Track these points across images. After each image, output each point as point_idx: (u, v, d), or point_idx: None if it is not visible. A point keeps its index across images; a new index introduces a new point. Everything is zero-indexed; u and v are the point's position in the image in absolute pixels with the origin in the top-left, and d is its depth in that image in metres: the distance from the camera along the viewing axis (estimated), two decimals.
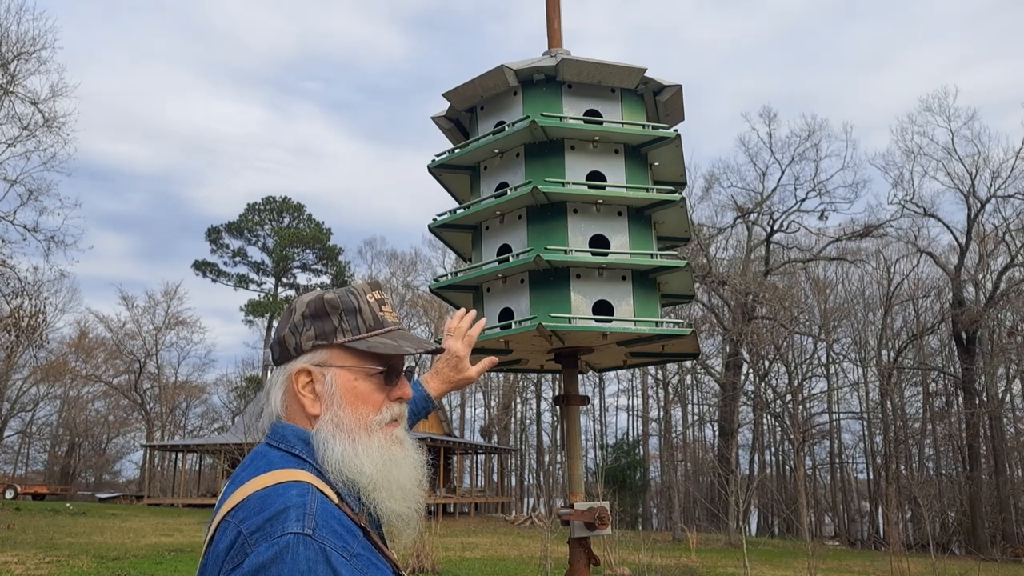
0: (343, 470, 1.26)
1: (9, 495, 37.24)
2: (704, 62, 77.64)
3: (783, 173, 36.68)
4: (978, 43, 70.79)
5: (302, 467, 1.23)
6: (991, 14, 70.09)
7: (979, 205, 35.38)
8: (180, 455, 40.99)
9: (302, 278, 58.17)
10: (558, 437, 47.83)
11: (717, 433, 42.36)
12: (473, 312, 2.05)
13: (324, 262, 57.52)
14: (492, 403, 54.11)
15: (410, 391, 1.39)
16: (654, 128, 2.72)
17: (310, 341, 1.33)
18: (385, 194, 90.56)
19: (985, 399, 35.80)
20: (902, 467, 40.56)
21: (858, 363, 44.81)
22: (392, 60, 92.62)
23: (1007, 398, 40.50)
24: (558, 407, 2.89)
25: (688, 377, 42.43)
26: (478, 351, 2.82)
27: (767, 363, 40.71)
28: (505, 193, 2.67)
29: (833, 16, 77.75)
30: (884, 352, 41.46)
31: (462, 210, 2.79)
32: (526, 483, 57.15)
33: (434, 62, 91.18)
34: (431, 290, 2.94)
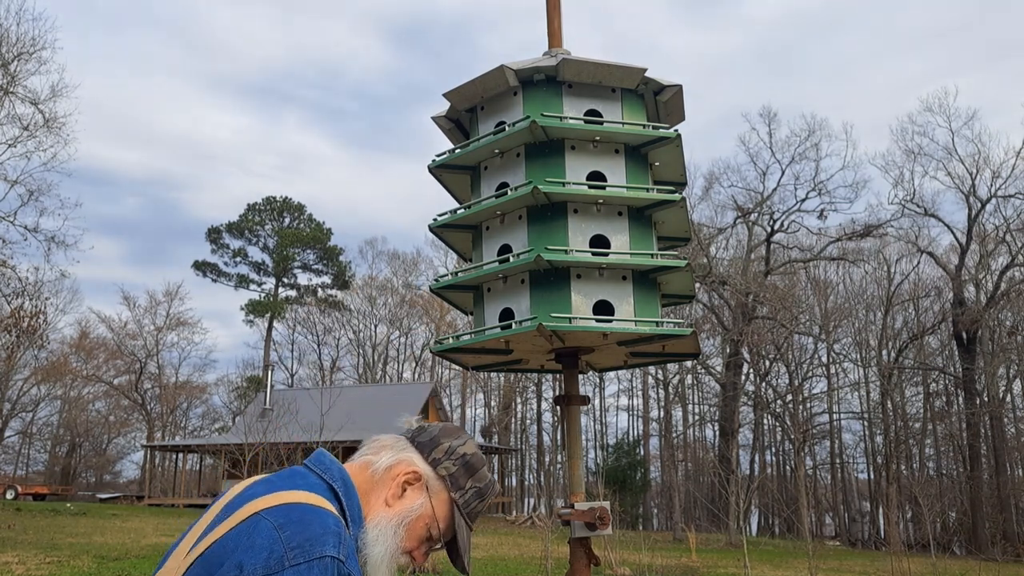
0: (374, 566, 1.39)
1: (10, 495, 37.24)
2: (684, 72, 77.96)
3: (783, 173, 36.70)
4: (951, 56, 71.23)
5: (333, 503, 1.33)
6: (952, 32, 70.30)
7: (979, 205, 35.39)
8: (181, 455, 41.02)
9: (303, 278, 58.17)
10: (558, 437, 47.84)
11: (717, 433, 42.36)
12: None
13: (325, 262, 57.49)
14: (492, 403, 54.13)
15: (421, 562, 1.53)
16: (654, 128, 2.72)
17: (445, 472, 1.49)
18: (382, 197, 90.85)
19: (986, 399, 35.79)
20: (903, 467, 40.56)
21: (859, 363, 44.81)
22: (382, 68, 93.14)
23: (1008, 398, 40.50)
24: (558, 407, 2.89)
25: (688, 377, 42.44)
26: (480, 351, 2.83)
27: (768, 363, 40.71)
28: (505, 193, 2.66)
29: (817, 24, 78.22)
30: (885, 352, 41.45)
31: (462, 210, 2.79)
32: (527, 483, 57.17)
33: (425, 69, 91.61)
34: (432, 290, 2.94)
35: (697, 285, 27.80)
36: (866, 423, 44.08)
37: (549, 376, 35.91)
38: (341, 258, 57.33)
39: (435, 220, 2.86)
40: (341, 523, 1.27)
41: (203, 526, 1.30)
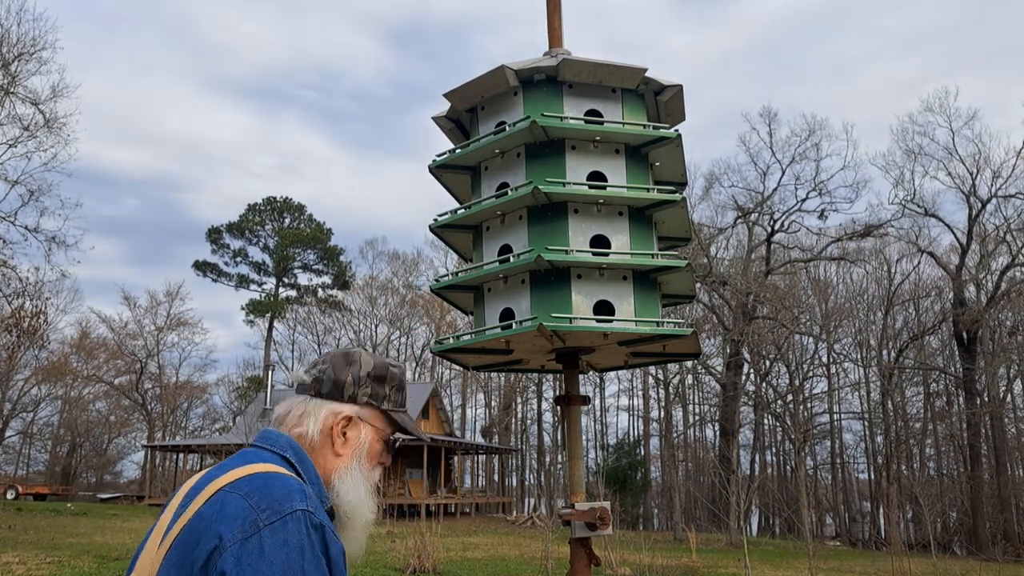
0: (355, 508, 1.48)
1: (10, 495, 37.26)
2: (684, 72, 78.11)
3: (784, 173, 36.68)
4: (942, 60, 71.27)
5: (289, 470, 1.40)
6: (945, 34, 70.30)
7: (980, 205, 35.37)
8: (181, 455, 41.02)
9: (303, 278, 58.14)
10: (559, 437, 47.83)
11: (718, 433, 42.32)
12: None
13: (325, 262, 57.46)
14: (493, 403, 54.13)
15: (388, 462, 1.60)
16: (655, 128, 2.72)
17: (365, 397, 1.54)
18: (382, 197, 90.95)
19: (986, 399, 35.78)
20: (903, 467, 40.55)
21: (859, 363, 44.81)
22: (382, 69, 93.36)
23: (1008, 398, 40.50)
24: (559, 407, 2.89)
25: (689, 377, 42.44)
26: (480, 352, 2.83)
27: (768, 363, 40.69)
28: (506, 193, 2.66)
29: (817, 24, 78.39)
30: (885, 352, 41.45)
31: (463, 210, 2.79)
32: (527, 483, 57.17)
33: (424, 70, 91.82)
34: (432, 290, 2.94)
35: (697, 285, 27.78)
36: (866, 423, 44.09)
37: (549, 376, 35.91)
38: (341, 258, 57.30)
39: (435, 220, 2.86)
40: (302, 483, 1.35)
41: (168, 518, 1.34)
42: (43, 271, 27.55)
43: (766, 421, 45.76)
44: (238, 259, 56.55)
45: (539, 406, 52.67)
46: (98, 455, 58.50)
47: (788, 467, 46.93)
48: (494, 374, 46.44)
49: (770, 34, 79.70)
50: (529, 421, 55.49)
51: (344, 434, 1.50)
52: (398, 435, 1.62)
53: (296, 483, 1.32)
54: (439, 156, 2.89)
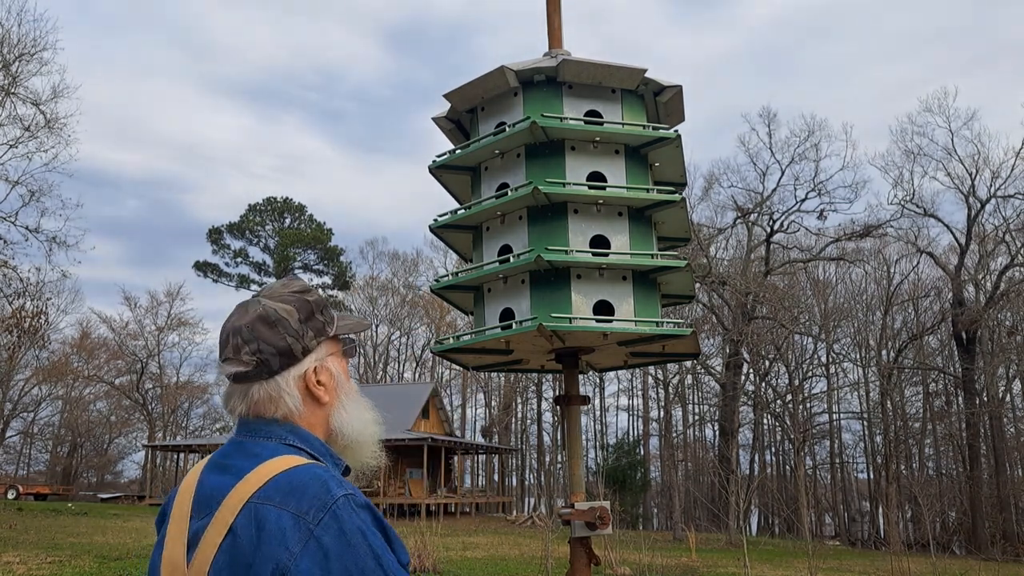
0: (361, 430, 1.45)
1: (11, 495, 37.28)
2: (683, 73, 78.15)
3: (783, 173, 36.67)
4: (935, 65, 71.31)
5: (299, 455, 1.31)
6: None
7: (979, 205, 35.38)
8: (182, 455, 41.03)
9: (303, 278, 58.11)
10: (559, 437, 47.85)
11: (717, 433, 42.36)
12: None
13: (325, 262, 57.45)
14: (493, 403, 54.14)
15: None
16: (654, 129, 2.73)
17: (313, 340, 1.43)
18: (383, 198, 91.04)
19: (985, 399, 35.79)
20: (902, 467, 40.56)
21: (858, 363, 44.82)
22: (382, 70, 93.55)
23: (1007, 398, 40.51)
24: (559, 407, 2.89)
25: (688, 377, 42.43)
26: (480, 352, 2.84)
27: (767, 363, 40.70)
28: (506, 194, 2.67)
29: (817, 25, 78.48)
30: (884, 352, 41.45)
31: (463, 211, 2.79)
32: (527, 483, 57.19)
33: (424, 71, 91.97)
34: (432, 291, 2.95)
35: (697, 285, 27.80)
36: (866, 423, 44.10)
37: (549, 376, 35.92)
38: (342, 258, 57.30)
39: (436, 221, 2.87)
40: (322, 465, 1.28)
41: (182, 529, 1.26)
42: (44, 271, 27.50)
43: (765, 421, 45.78)
44: (238, 259, 56.56)
45: (539, 406, 52.72)
46: (99, 455, 58.52)
47: (788, 467, 46.95)
48: (494, 374, 46.46)
49: (769, 35, 79.79)
50: (529, 421, 55.54)
51: (319, 383, 1.41)
52: (353, 336, 1.54)
53: (321, 469, 1.25)
54: (439, 157, 2.90)
